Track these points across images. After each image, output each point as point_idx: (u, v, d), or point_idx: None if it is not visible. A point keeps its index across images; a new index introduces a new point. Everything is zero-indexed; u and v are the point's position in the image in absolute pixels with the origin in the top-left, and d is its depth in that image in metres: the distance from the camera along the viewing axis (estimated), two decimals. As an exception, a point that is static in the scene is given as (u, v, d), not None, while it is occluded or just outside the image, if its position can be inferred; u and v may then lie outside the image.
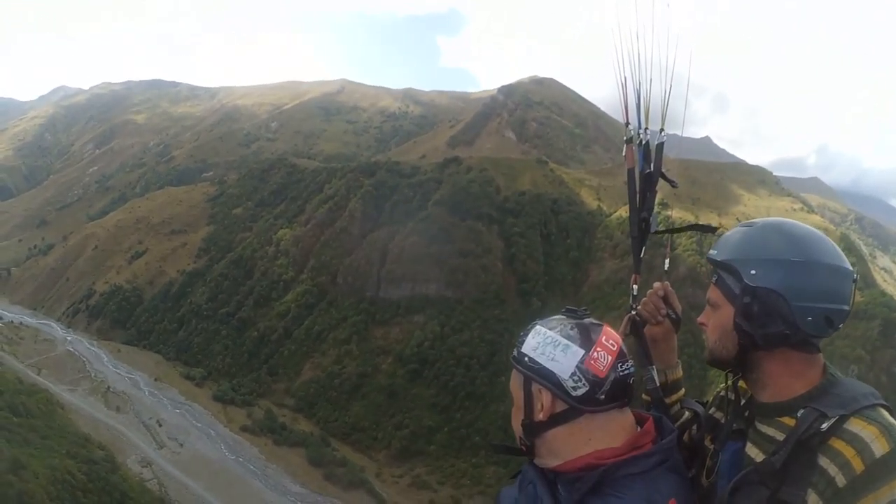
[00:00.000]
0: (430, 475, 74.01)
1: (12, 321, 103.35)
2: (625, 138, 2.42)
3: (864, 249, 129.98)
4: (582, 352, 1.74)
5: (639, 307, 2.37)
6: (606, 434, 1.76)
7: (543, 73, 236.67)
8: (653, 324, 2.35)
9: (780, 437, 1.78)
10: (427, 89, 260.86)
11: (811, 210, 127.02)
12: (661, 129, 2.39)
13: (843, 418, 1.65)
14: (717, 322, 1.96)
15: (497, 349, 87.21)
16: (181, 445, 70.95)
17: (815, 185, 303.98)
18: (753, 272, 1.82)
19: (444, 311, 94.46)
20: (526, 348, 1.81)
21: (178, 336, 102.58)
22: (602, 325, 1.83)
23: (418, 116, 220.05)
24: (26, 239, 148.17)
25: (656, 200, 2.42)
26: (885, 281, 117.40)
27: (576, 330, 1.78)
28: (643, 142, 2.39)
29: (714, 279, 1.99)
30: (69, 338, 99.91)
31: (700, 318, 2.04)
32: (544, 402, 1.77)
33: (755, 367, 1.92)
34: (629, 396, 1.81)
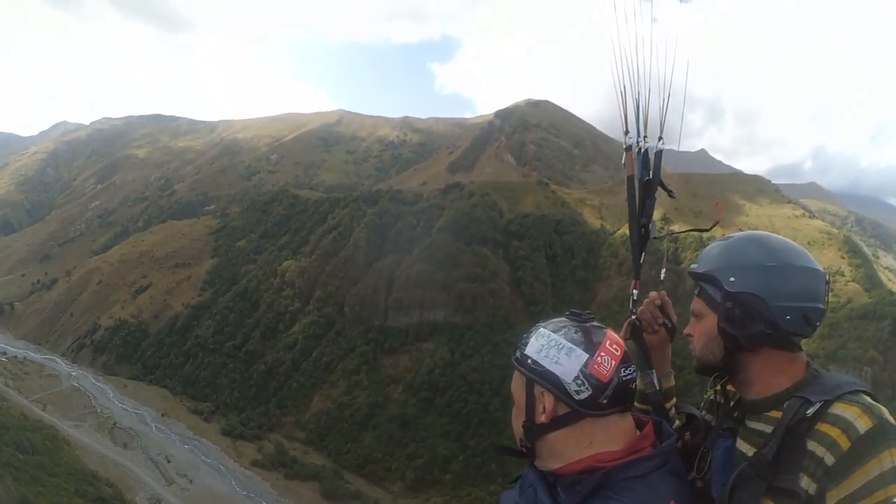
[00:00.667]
0: (447, 505, 72.61)
1: (16, 356, 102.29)
2: (624, 146, 2.43)
3: (867, 251, 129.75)
4: (586, 356, 1.74)
5: (637, 314, 2.38)
6: (607, 437, 1.77)
7: (538, 96, 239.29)
8: (649, 332, 2.38)
9: (769, 429, 1.85)
10: (423, 116, 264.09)
11: (812, 215, 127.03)
12: (660, 138, 2.41)
13: (827, 403, 1.73)
14: (702, 330, 2.05)
15: (508, 374, 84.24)
16: (191, 482, 69.47)
17: (813, 189, 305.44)
18: (732, 279, 1.93)
19: (453, 337, 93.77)
20: (529, 350, 1.80)
21: (184, 370, 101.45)
22: (606, 329, 1.85)
23: (417, 144, 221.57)
24: (29, 274, 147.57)
25: (659, 216, 2.43)
26: (890, 280, 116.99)
27: (580, 333, 1.78)
28: (642, 150, 2.42)
29: (697, 291, 2.08)
30: (74, 373, 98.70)
31: (686, 330, 2.12)
32: (546, 404, 1.75)
33: (741, 368, 1.99)
34: (631, 400, 1.83)
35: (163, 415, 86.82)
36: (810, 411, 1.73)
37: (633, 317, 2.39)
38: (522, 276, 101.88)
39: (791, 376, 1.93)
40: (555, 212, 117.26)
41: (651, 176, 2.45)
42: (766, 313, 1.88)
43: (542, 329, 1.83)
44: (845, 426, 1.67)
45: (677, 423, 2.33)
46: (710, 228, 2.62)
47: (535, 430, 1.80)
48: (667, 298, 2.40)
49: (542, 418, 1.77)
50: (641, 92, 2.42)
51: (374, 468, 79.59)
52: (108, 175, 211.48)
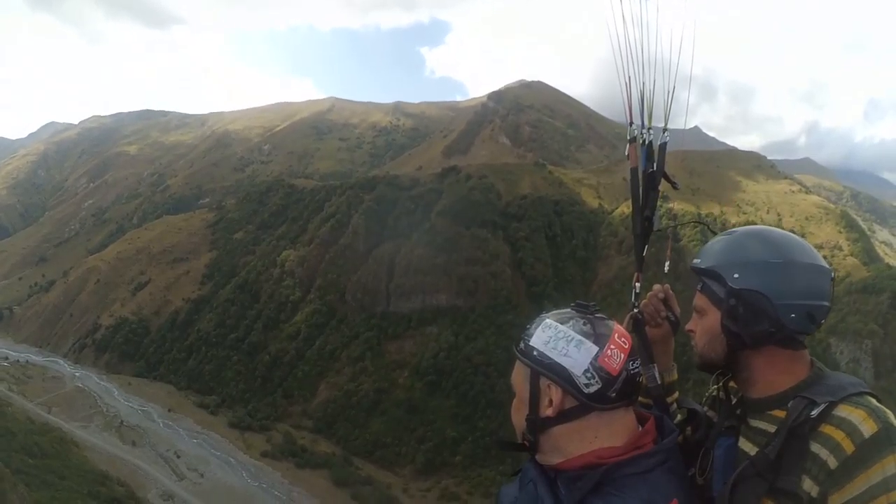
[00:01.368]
0: (459, 486, 72.92)
1: (18, 360, 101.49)
2: (628, 138, 2.41)
3: (863, 225, 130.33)
4: (596, 348, 1.71)
5: (640, 307, 2.36)
6: (611, 432, 1.75)
7: (531, 77, 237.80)
8: (652, 326, 2.36)
9: (772, 429, 1.83)
10: (415, 101, 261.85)
11: (808, 191, 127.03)
12: (664, 129, 2.41)
13: (831, 405, 1.71)
14: (704, 327, 2.03)
15: (513, 355, 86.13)
16: (202, 476, 69.34)
17: (807, 165, 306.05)
18: (736, 275, 1.90)
19: (456, 320, 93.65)
20: (535, 342, 1.77)
21: (188, 365, 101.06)
22: (613, 322, 1.83)
23: (410, 129, 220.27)
24: (26, 277, 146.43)
25: (659, 194, 2.45)
26: (886, 255, 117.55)
27: (589, 326, 1.75)
28: (646, 141, 2.40)
29: (699, 287, 2.05)
30: (77, 374, 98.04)
31: (688, 326, 2.12)
32: (554, 397, 1.73)
33: (744, 367, 1.97)
34: (637, 395, 1.82)
35: (169, 410, 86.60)
36: (814, 412, 1.70)
37: (636, 310, 2.33)
38: (523, 257, 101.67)
39: (795, 375, 1.91)
40: (552, 193, 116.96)
41: (654, 168, 2.39)
42: (771, 311, 1.85)
43: (548, 320, 1.79)
44: (850, 429, 1.65)
45: (679, 417, 2.29)
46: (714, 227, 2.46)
47: (539, 424, 1.77)
48: (670, 292, 2.37)
49: (549, 412, 1.74)
50: (646, 83, 2.38)
51: (384, 453, 79.77)
52: (100, 173, 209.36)
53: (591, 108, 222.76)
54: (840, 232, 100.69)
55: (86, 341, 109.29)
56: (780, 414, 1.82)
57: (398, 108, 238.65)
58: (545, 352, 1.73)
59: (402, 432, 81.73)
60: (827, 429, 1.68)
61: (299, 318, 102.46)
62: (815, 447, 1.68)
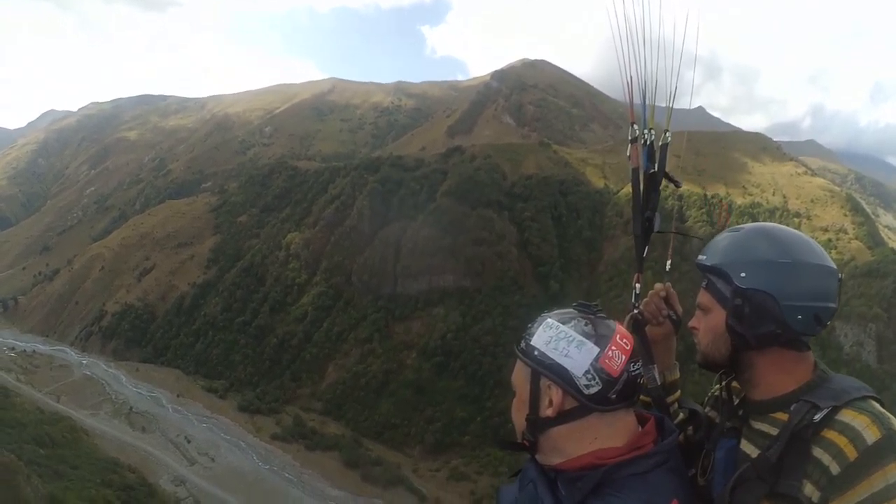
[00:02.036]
0: (468, 466, 73.04)
1: (25, 350, 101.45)
2: (629, 138, 2.41)
3: (867, 209, 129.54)
4: (597, 349, 1.71)
5: (640, 307, 2.35)
6: (612, 433, 1.75)
7: (533, 56, 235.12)
8: (654, 325, 2.35)
9: (774, 432, 1.82)
10: (416, 81, 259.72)
11: (813, 173, 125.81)
12: (666, 130, 2.41)
13: (834, 409, 1.70)
14: (708, 325, 2.01)
15: (522, 335, 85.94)
16: (213, 460, 69.45)
17: (812, 147, 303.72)
18: (743, 274, 1.88)
19: (463, 301, 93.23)
20: (536, 341, 1.76)
21: (195, 350, 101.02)
22: (616, 323, 1.84)
23: (412, 109, 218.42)
24: (30, 266, 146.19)
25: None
26: (890, 239, 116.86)
27: (591, 326, 1.75)
28: (647, 142, 2.40)
29: (704, 284, 2.03)
30: (85, 361, 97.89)
31: (691, 323, 2.10)
32: (554, 398, 1.73)
33: (747, 367, 1.96)
34: (637, 396, 1.83)
35: (178, 396, 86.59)
36: (817, 417, 1.69)
37: (636, 311, 2.31)
38: (529, 237, 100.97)
39: (798, 378, 1.89)
40: (558, 172, 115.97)
41: (656, 168, 2.38)
42: (777, 313, 1.84)
43: (549, 319, 1.79)
44: (853, 435, 1.64)
45: (681, 416, 2.28)
46: (720, 230, 2.30)
47: (539, 424, 1.77)
48: (672, 290, 2.35)
49: (549, 412, 1.74)
50: (647, 82, 2.36)
51: (393, 434, 79.87)
52: (100, 160, 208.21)
53: (595, 87, 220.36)
54: (845, 215, 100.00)
55: (92, 329, 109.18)
56: (783, 417, 1.81)
57: (400, 88, 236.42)
58: (546, 352, 1.73)
59: (410, 413, 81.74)
60: (830, 434, 1.67)
61: (306, 300, 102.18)
62: (818, 452, 1.67)
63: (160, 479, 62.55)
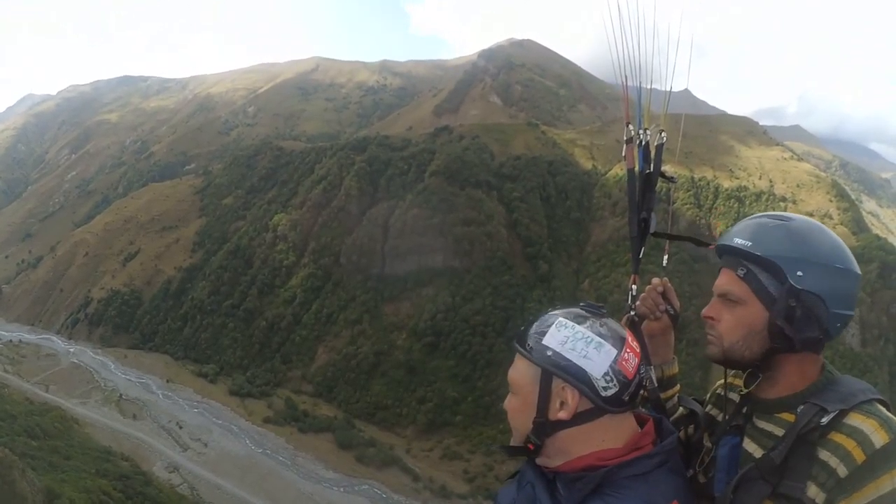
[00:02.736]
0: (460, 445, 73.65)
1: (11, 340, 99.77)
2: (625, 139, 2.40)
3: (852, 195, 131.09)
4: (615, 351, 1.71)
5: (637, 303, 2.35)
6: (617, 435, 1.75)
7: (521, 36, 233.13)
8: (651, 319, 2.34)
9: (779, 432, 1.81)
10: (401, 59, 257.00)
11: (799, 158, 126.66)
12: (661, 131, 2.40)
13: (842, 413, 1.69)
14: (740, 320, 1.88)
15: (510, 315, 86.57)
16: (206, 445, 69.43)
17: (797, 132, 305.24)
18: (800, 273, 1.78)
19: (453, 281, 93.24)
20: (550, 341, 1.72)
21: (183, 334, 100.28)
22: (625, 326, 1.87)
23: (397, 88, 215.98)
24: (13, 254, 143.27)
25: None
26: (873, 225, 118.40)
27: (606, 328, 1.74)
28: (643, 143, 2.39)
29: (741, 272, 1.88)
30: (72, 349, 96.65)
31: (708, 312, 1.97)
32: (569, 400, 1.70)
33: (774, 368, 1.90)
34: (641, 398, 1.89)
35: (168, 381, 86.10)
36: (825, 420, 1.68)
37: (632, 312, 2.30)
38: (518, 217, 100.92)
39: (806, 377, 1.87)
40: (546, 153, 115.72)
41: (652, 169, 2.37)
42: (824, 318, 1.79)
43: (562, 319, 1.75)
44: (861, 438, 1.64)
45: (680, 411, 2.29)
46: (709, 246, 2.37)
47: (548, 427, 1.74)
48: (669, 285, 2.35)
49: (562, 414, 1.71)
50: (643, 84, 2.37)
51: (385, 415, 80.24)
52: (81, 144, 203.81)
53: (583, 67, 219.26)
54: (830, 201, 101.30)
55: (78, 316, 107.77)
56: (789, 417, 1.80)
57: (385, 67, 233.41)
58: (562, 352, 1.70)
59: (402, 393, 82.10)
60: (837, 437, 1.67)
61: (294, 282, 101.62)
62: (825, 455, 1.67)
63: (154, 466, 62.44)
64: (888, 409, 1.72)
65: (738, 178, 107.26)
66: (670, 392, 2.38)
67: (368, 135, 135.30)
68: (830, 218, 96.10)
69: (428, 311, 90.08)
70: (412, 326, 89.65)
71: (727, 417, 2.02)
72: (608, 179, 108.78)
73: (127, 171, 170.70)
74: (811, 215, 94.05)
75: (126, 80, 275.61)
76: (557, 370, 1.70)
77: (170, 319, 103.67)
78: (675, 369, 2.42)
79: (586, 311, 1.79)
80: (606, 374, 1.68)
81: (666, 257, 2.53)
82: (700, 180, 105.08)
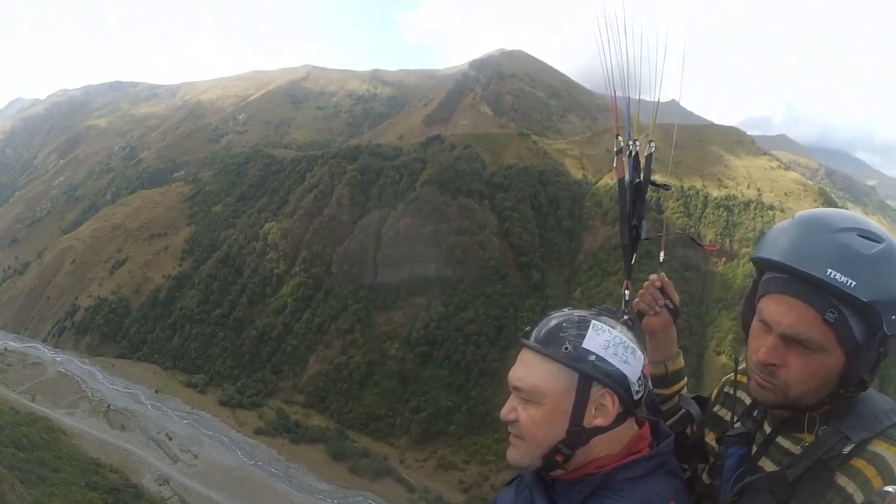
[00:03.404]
0: (455, 455, 73.33)
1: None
2: (615, 149, 2.44)
3: (839, 203, 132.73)
4: (643, 355, 1.73)
5: (636, 299, 2.37)
6: (623, 437, 1.74)
7: (510, 46, 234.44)
8: (651, 315, 2.34)
9: (795, 449, 1.72)
10: (392, 69, 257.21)
11: (787, 167, 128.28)
12: (650, 141, 2.44)
13: (866, 440, 1.58)
14: (815, 371, 1.61)
15: (503, 324, 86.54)
16: (196, 457, 68.33)
17: (783, 142, 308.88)
18: (894, 318, 1.55)
19: (445, 290, 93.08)
20: (591, 345, 1.66)
21: (172, 343, 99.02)
22: None
23: (388, 97, 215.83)
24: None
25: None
26: None
27: (632, 332, 1.75)
28: (633, 153, 2.43)
29: (831, 316, 1.54)
30: (59, 358, 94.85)
31: (768, 357, 1.64)
32: (610, 406, 1.67)
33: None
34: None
35: (156, 391, 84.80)
36: (847, 450, 1.57)
37: (626, 317, 2.20)
38: (510, 227, 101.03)
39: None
40: (537, 163, 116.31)
41: (642, 178, 2.41)
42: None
43: (596, 322, 1.71)
44: (882, 466, 1.53)
45: (682, 412, 2.24)
46: (702, 245, 2.65)
47: (585, 436, 1.69)
48: (667, 279, 2.35)
49: (599, 421, 1.68)
50: (632, 96, 2.41)
51: (378, 425, 79.65)
52: (70, 149, 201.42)
53: (573, 78, 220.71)
54: (818, 208, 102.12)
55: (65, 324, 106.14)
56: (807, 437, 1.69)
57: (376, 76, 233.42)
58: (606, 357, 1.66)
59: (395, 403, 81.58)
60: (858, 462, 1.56)
61: (285, 291, 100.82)
62: (843, 480, 1.56)
63: (143, 478, 61.30)
64: None
65: (726, 188, 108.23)
66: (676, 387, 2.36)
67: (360, 143, 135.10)
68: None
69: (421, 321, 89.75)
70: (405, 336, 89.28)
71: (735, 420, 1.94)
72: (599, 189, 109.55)
73: (115, 177, 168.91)
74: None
75: (116, 86, 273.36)
76: (601, 375, 1.65)
77: (158, 328, 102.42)
78: (680, 363, 2.39)
79: (607, 313, 1.77)
80: (640, 378, 1.69)
81: (662, 253, 2.51)
82: (689, 189, 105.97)
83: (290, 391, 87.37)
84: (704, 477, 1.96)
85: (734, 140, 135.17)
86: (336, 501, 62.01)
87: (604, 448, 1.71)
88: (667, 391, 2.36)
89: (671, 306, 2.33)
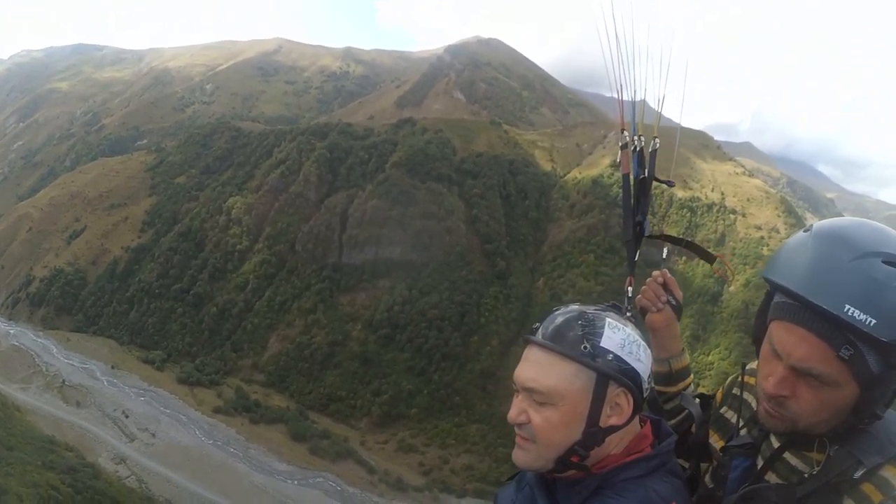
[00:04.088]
0: (415, 438, 74.13)
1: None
2: (619, 144, 2.45)
3: (798, 213, 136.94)
4: (650, 353, 1.73)
5: (638, 296, 2.36)
6: (631, 436, 1.76)
7: (486, 34, 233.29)
8: (653, 312, 2.34)
9: (802, 467, 1.69)
10: (365, 48, 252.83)
11: (751, 174, 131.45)
12: (655, 137, 2.45)
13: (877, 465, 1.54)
14: (826, 404, 1.56)
15: (467, 310, 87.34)
16: (153, 436, 67.21)
17: (747, 149, 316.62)
18: None
19: (410, 274, 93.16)
20: (609, 344, 1.64)
21: (129, 318, 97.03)
22: None
23: (360, 76, 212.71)
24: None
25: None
26: None
27: (639, 330, 1.75)
28: (637, 148, 2.44)
29: (846, 353, 1.47)
30: (12, 331, 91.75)
31: (778, 389, 1.61)
32: (625, 404, 1.67)
33: None
34: None
35: (113, 367, 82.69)
36: (857, 475, 1.52)
37: (628, 314, 2.19)
38: (478, 214, 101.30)
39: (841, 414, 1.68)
40: (507, 152, 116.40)
41: (646, 174, 2.42)
42: None
43: (610, 320, 1.69)
44: (890, 493, 1.50)
45: (685, 412, 2.25)
46: (714, 259, 2.49)
47: (600, 435, 1.68)
48: (669, 276, 2.35)
49: (614, 420, 1.67)
50: (637, 91, 2.41)
51: (339, 406, 79.88)
52: (29, 112, 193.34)
53: (547, 71, 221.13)
54: (779, 216, 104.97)
55: (19, 295, 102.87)
56: (817, 455, 1.65)
57: (349, 54, 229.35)
58: (623, 356, 1.65)
59: (357, 385, 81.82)
60: (867, 487, 1.52)
61: (247, 267, 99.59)
62: (849, 503, 1.54)
63: (99, 457, 60.04)
64: None
65: (691, 189, 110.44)
66: (682, 384, 2.36)
67: (330, 121, 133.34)
68: (777, 232, 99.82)
69: (384, 303, 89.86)
70: (368, 318, 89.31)
71: (741, 426, 1.92)
72: (567, 182, 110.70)
73: (76, 143, 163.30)
74: (759, 228, 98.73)
75: (80, 49, 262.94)
76: (618, 374, 1.63)
77: (115, 302, 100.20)
78: (685, 361, 2.37)
79: (614, 309, 1.76)
80: (650, 376, 1.69)
81: (665, 249, 2.60)
82: (655, 189, 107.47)
83: (250, 370, 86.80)
84: (707, 479, 1.97)
85: (701, 143, 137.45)
86: (296, 482, 62.07)
87: (615, 446, 1.71)
88: (671, 389, 2.36)
89: (674, 303, 2.32)
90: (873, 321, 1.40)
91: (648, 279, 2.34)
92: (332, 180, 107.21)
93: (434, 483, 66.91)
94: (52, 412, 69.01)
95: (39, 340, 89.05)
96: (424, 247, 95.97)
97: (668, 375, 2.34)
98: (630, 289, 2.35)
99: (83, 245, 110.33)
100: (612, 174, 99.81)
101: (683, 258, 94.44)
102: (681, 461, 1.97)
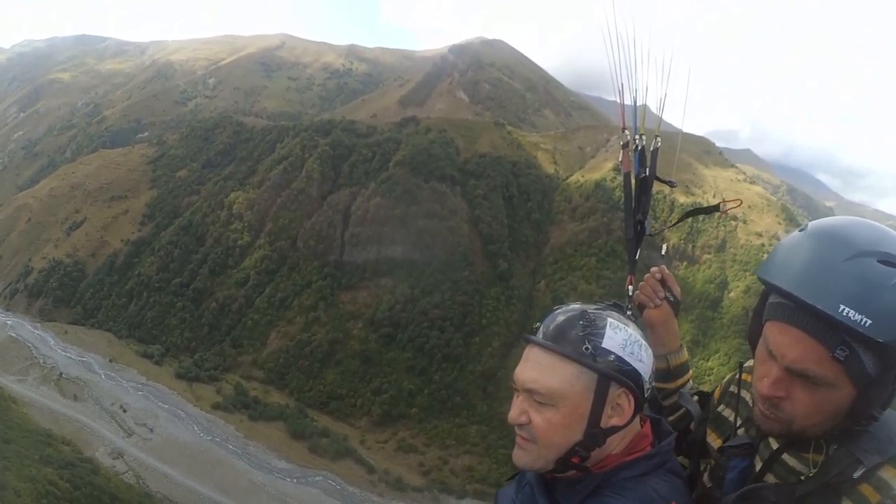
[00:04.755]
0: (415, 438, 73.77)
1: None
2: (621, 143, 2.43)
3: (799, 220, 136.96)
4: (651, 352, 1.73)
5: (636, 292, 2.35)
6: (632, 435, 1.75)
7: (490, 35, 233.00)
8: (651, 307, 2.33)
9: (801, 468, 1.67)
10: (369, 46, 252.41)
11: (752, 181, 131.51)
12: (657, 136, 2.44)
13: (876, 465, 1.53)
14: (822, 405, 1.54)
15: (468, 311, 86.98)
16: (151, 431, 66.60)
17: (747, 156, 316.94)
18: None
19: (412, 273, 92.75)
20: (610, 345, 1.63)
21: (128, 311, 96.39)
22: None
23: (363, 74, 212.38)
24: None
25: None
26: None
27: (640, 329, 1.75)
28: (638, 147, 2.41)
29: (841, 354, 1.45)
30: (9, 322, 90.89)
31: (772, 391, 1.59)
32: (626, 405, 1.66)
33: None
34: None
35: (111, 361, 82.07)
36: (857, 475, 1.50)
37: (629, 312, 2.12)
38: (480, 214, 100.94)
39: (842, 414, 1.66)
40: (510, 154, 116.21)
41: (647, 173, 2.38)
42: None
43: (612, 320, 1.68)
44: (889, 495, 1.48)
45: (682, 411, 2.23)
46: (717, 209, 2.46)
47: (602, 436, 1.67)
48: (667, 272, 2.35)
49: (615, 421, 1.66)
50: (639, 90, 2.37)
51: (339, 405, 79.40)
52: (31, 102, 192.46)
53: (550, 73, 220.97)
54: (780, 223, 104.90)
55: (17, 286, 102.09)
56: (815, 457, 1.63)
57: (353, 51, 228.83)
58: (624, 357, 1.64)
59: (357, 383, 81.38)
60: (865, 488, 1.51)
61: (248, 263, 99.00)
62: (847, 503, 1.54)
63: (96, 451, 59.46)
64: None
65: (693, 195, 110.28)
66: (680, 381, 2.33)
67: (333, 118, 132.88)
68: (778, 239, 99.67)
69: (386, 302, 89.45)
70: (369, 316, 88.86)
71: (738, 425, 1.89)
72: (569, 185, 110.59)
73: (77, 134, 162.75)
74: (760, 235, 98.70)
75: (83, 39, 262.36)
76: (621, 375, 1.62)
77: (114, 295, 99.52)
78: (684, 357, 2.35)
79: (614, 308, 1.75)
80: (651, 376, 1.68)
81: (665, 246, 2.55)
82: (657, 193, 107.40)
83: (250, 366, 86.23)
84: (705, 478, 1.92)
85: (703, 149, 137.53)
86: (295, 480, 61.58)
87: (615, 446, 1.70)
88: (670, 385, 2.32)
89: (672, 299, 2.31)
90: (869, 322, 1.39)
91: (646, 275, 2.34)
92: (335, 177, 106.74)
93: (434, 483, 66.56)
94: (49, 405, 68.34)
95: (37, 332, 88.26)
96: (427, 246, 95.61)
97: (666, 372, 2.30)
98: (630, 287, 2.31)
99: (82, 237, 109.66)
100: (615, 177, 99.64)
101: (684, 263, 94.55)
102: (680, 458, 1.98)
